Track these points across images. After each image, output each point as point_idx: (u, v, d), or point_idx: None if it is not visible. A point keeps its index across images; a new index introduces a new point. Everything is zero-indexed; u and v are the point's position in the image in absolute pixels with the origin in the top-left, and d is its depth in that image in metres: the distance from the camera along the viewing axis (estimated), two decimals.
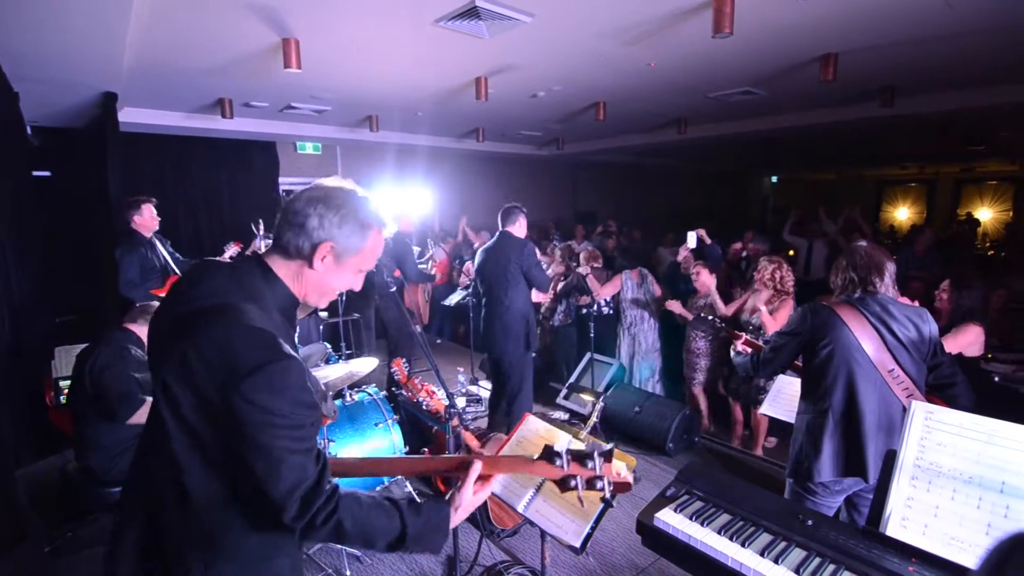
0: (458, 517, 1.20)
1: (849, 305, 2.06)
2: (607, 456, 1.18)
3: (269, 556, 1.10)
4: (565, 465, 1.19)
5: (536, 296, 4.72)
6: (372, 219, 1.17)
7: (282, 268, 1.15)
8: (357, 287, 1.24)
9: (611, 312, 4.98)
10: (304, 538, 1.04)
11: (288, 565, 1.14)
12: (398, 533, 1.10)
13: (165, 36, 3.55)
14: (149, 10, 3.07)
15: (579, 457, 1.18)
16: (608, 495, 1.18)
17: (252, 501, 1.03)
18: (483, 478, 1.24)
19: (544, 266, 5.22)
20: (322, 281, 1.17)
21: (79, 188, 5.55)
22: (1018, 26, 3.62)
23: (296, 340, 3.86)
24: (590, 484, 1.17)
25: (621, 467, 1.21)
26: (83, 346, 2.77)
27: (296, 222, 1.12)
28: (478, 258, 4.03)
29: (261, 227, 3.40)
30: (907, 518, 1.37)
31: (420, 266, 5.63)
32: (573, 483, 1.18)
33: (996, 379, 1.48)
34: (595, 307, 4.79)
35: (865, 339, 2.00)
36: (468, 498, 1.21)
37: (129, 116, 5.57)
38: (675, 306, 4.23)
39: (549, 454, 1.20)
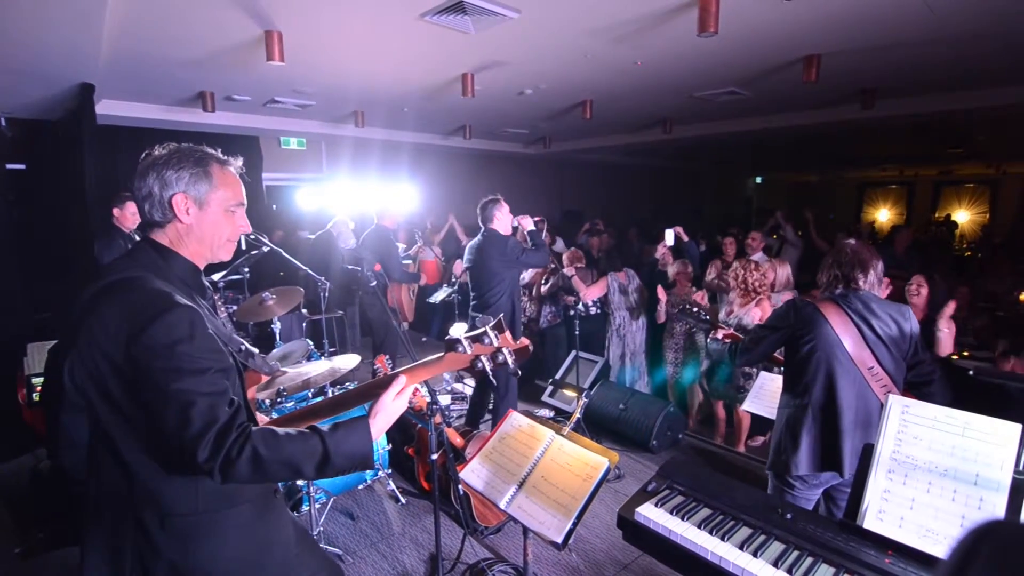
0: (378, 424, 1.21)
1: (832, 302, 2.08)
2: (499, 328, 1.30)
3: (225, 505, 1.17)
4: (468, 349, 1.29)
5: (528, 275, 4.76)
6: (205, 156, 1.22)
7: (164, 238, 1.21)
8: (245, 228, 1.30)
9: (599, 311, 4.99)
10: (226, 478, 1.04)
11: (250, 511, 1.21)
12: (320, 452, 1.11)
13: (144, 26, 3.47)
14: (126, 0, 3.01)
15: (477, 339, 1.30)
16: (511, 363, 1.29)
17: (170, 454, 1.08)
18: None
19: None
20: (202, 231, 1.22)
21: (55, 181, 5.42)
22: (996, 32, 3.69)
23: (278, 337, 3.83)
24: (494, 359, 1.29)
25: (523, 341, 1.35)
26: (55, 342, 2.70)
27: (144, 195, 1.18)
28: (466, 257, 4.00)
29: None
30: (884, 511, 1.39)
31: (405, 261, 5.59)
32: (480, 365, 1.29)
33: (970, 372, 1.51)
34: (580, 306, 4.79)
35: (846, 336, 2.02)
36: (387, 405, 1.23)
37: (107, 108, 5.44)
38: (661, 295, 4.25)
39: (452, 345, 1.31)
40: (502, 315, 1.35)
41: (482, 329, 1.31)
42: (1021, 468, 1.27)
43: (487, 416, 4.08)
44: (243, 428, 1.06)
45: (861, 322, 2.03)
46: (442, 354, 1.33)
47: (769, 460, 2.22)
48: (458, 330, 1.36)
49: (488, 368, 1.30)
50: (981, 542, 0.39)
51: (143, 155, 1.21)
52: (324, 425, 1.18)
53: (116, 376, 1.07)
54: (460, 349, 1.29)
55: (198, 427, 1.02)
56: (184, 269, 1.21)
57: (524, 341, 1.36)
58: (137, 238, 4.13)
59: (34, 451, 3.44)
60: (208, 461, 1.02)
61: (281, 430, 1.12)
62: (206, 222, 1.21)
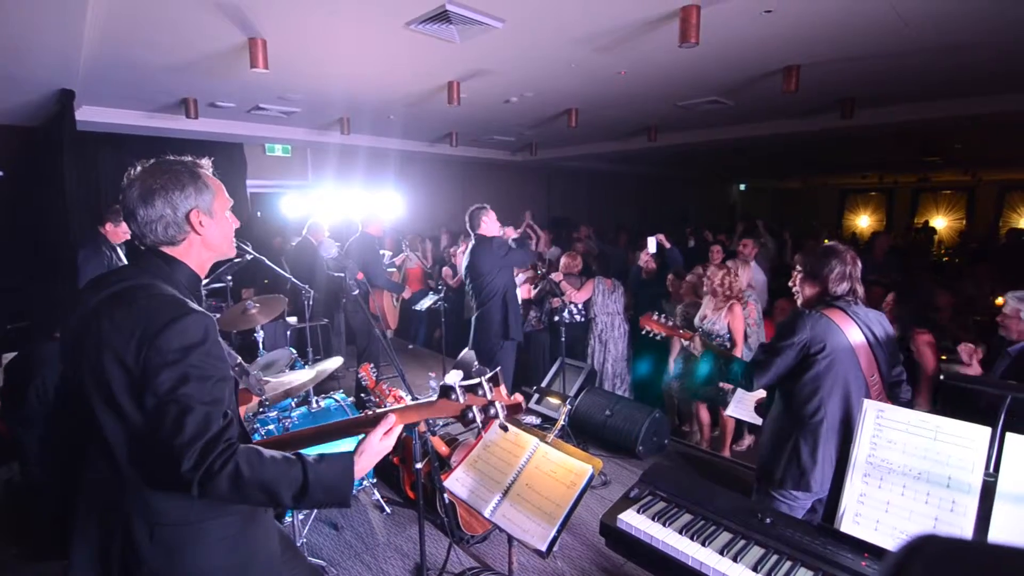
0: (362, 463, 1.22)
1: (840, 310, 2.00)
2: (494, 381, 1.29)
3: (214, 515, 1.17)
4: (461, 398, 1.28)
5: (522, 291, 4.80)
6: (196, 167, 1.26)
7: (175, 251, 1.25)
8: (237, 224, 1.37)
9: (583, 319, 5.02)
10: (204, 491, 1.04)
11: (238, 522, 1.21)
12: (300, 482, 1.11)
13: (125, 32, 3.45)
14: (107, 4, 2.98)
15: (471, 388, 1.28)
16: (502, 418, 1.27)
17: (155, 461, 1.09)
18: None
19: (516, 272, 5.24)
20: (212, 238, 1.28)
21: (35, 188, 5.34)
22: (967, 44, 3.80)
23: (262, 346, 3.79)
24: (485, 411, 1.27)
25: (516, 397, 1.35)
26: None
27: (154, 219, 1.20)
28: (463, 264, 4.12)
29: None
30: (860, 514, 1.41)
31: (390, 269, 5.56)
32: (471, 415, 1.27)
33: (941, 377, 1.54)
34: (566, 312, 4.81)
35: (858, 344, 1.96)
36: (374, 444, 1.24)
37: (87, 115, 5.38)
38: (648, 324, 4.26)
39: (446, 392, 1.29)
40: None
41: (477, 380, 1.30)
42: (991, 471, 1.30)
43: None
44: (230, 442, 1.07)
45: (866, 329, 1.98)
46: (435, 398, 1.33)
47: (776, 478, 2.06)
48: (453, 376, 1.33)
49: (479, 419, 1.28)
50: (912, 556, 0.40)
51: (128, 177, 1.22)
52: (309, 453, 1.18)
53: (124, 379, 1.08)
54: (454, 397, 1.29)
55: (189, 434, 1.03)
56: (189, 278, 1.26)
57: (517, 397, 1.36)
58: (120, 250, 4.11)
59: (9, 464, 3.36)
60: (191, 471, 1.02)
61: (267, 452, 1.12)
62: (216, 229, 1.28)
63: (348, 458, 1.19)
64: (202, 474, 1.02)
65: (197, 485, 1.03)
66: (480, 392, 1.29)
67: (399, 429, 1.29)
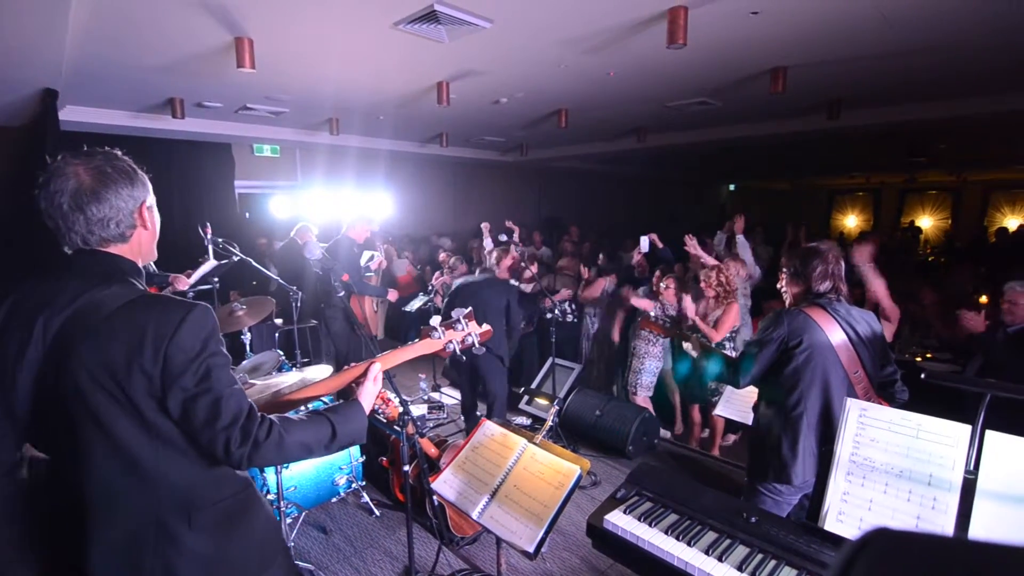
0: (365, 406, 1.36)
1: (820, 308, 2.05)
2: (469, 316, 1.55)
3: (235, 489, 1.22)
4: (442, 335, 1.50)
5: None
6: (129, 161, 1.20)
7: (123, 248, 1.18)
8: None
9: (574, 319, 5.02)
10: (252, 462, 1.11)
11: (252, 493, 1.27)
12: (330, 434, 1.23)
13: (109, 31, 3.40)
14: (91, 2, 2.94)
15: (451, 325, 1.53)
16: (477, 344, 1.56)
17: (199, 447, 1.12)
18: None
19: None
20: (152, 232, 1.25)
21: (16, 191, 5.26)
22: (949, 45, 3.85)
23: (249, 348, 3.76)
24: (463, 342, 1.54)
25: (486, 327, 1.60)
26: None
27: (107, 216, 1.13)
28: (457, 289, 3.91)
29: (209, 231, 3.30)
30: (843, 512, 1.42)
31: (367, 274, 5.50)
32: (451, 347, 1.52)
33: (922, 376, 1.56)
34: (557, 310, 4.81)
35: (837, 341, 2.00)
36: (369, 388, 1.39)
37: (71, 115, 5.31)
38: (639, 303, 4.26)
39: (428, 332, 1.51)
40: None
41: (456, 318, 1.53)
42: (971, 468, 1.32)
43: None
44: (263, 415, 1.14)
45: (847, 326, 2.02)
46: (416, 341, 1.49)
47: (759, 472, 2.10)
48: (435, 320, 1.57)
49: (457, 348, 1.50)
50: (860, 551, 0.40)
51: (57, 172, 1.11)
52: (295, 415, 1.25)
53: (144, 384, 1.07)
54: (436, 335, 1.49)
55: (229, 418, 1.08)
56: (131, 267, 1.20)
57: (488, 328, 1.60)
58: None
59: None
60: (240, 447, 1.08)
61: (292, 416, 1.21)
62: (153, 223, 1.24)
63: (357, 404, 1.33)
64: (250, 448, 1.09)
65: (247, 458, 1.10)
66: (459, 327, 1.52)
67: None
